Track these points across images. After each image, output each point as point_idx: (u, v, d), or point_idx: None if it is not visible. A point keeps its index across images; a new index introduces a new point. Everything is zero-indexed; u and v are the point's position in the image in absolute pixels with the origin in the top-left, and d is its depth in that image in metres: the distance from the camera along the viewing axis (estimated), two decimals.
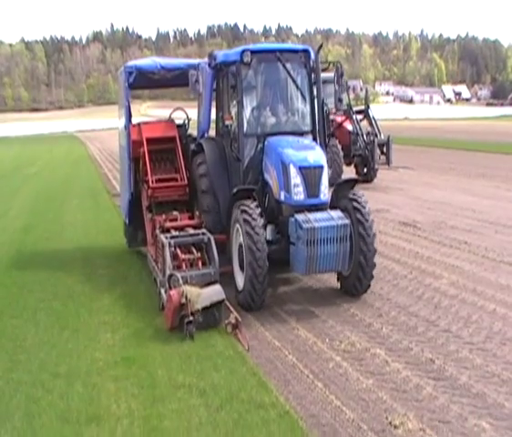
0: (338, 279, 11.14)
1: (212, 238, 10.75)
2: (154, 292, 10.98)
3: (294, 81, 11.75)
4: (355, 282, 10.62)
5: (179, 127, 13.82)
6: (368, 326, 9.48)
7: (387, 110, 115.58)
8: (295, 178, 10.34)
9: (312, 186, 10.40)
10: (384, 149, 25.58)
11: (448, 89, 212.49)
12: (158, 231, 11.27)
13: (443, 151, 39.58)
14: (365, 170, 25.34)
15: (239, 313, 9.50)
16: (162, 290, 10.13)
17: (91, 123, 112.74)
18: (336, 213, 10.27)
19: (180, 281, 9.50)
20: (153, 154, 13.12)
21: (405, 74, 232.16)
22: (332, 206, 10.70)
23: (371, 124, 26.38)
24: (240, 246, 10.35)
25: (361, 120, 26.10)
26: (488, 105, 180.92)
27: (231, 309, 9.46)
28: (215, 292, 9.55)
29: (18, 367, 8.37)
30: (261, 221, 10.07)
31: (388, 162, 25.61)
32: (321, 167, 10.54)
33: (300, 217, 9.98)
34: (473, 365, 8.03)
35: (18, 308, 10.82)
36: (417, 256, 13.39)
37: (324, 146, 11.41)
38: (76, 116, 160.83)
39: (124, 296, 11.23)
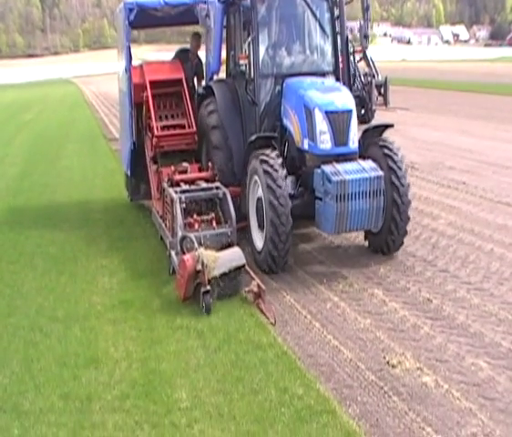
0: (366, 237, 10.16)
1: (228, 193, 9.62)
2: (150, 235, 11.01)
3: (314, 15, 10.66)
4: (387, 239, 9.58)
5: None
6: (365, 266, 9.48)
7: (385, 52, 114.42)
8: (321, 125, 9.23)
9: (340, 133, 9.28)
10: (382, 90, 25.42)
11: (446, 30, 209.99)
12: (165, 185, 10.16)
13: (440, 92, 39.29)
14: (363, 111, 25.15)
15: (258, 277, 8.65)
16: (173, 253, 9.14)
17: (87, 68, 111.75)
18: (368, 164, 9.21)
19: (195, 244, 8.35)
20: (157, 98, 11.99)
21: (403, 15, 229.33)
22: (360, 155, 9.61)
23: (368, 65, 26.18)
24: (259, 200, 9.36)
25: (358, 61, 25.85)
26: (486, 46, 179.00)
27: (253, 275, 8.53)
28: (234, 256, 8.53)
29: (16, 312, 8.38)
30: (283, 173, 9.07)
31: (386, 103, 25.48)
32: (349, 112, 9.40)
33: (328, 168, 8.95)
34: (470, 305, 8.03)
35: (15, 254, 10.80)
36: (415, 196, 13.30)
37: (349, 88, 10.30)
38: (71, 62, 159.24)
39: (121, 239, 11.21)
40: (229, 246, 9.02)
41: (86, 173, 17.91)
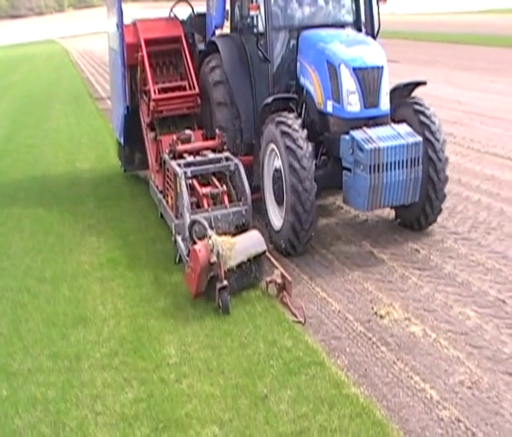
0: (396, 214, 9.16)
1: (241, 165, 8.38)
2: (138, 194, 10.99)
3: None
4: (420, 216, 8.60)
5: (183, 23, 11.43)
6: (353, 218, 9.48)
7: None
8: (348, 84, 8.10)
9: (370, 93, 8.15)
10: None
11: None
12: (166, 156, 8.89)
13: (428, 44, 38.95)
14: None
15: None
16: (179, 239, 7.95)
17: (72, 28, 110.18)
18: (403, 128, 8.11)
19: (208, 231, 7.06)
20: (153, 58, 10.85)
21: None
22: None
23: None
24: (277, 172, 8.29)
25: None
26: None
27: (275, 263, 7.44)
28: (253, 241, 7.39)
29: (4, 274, 8.36)
30: (303, 133, 7.97)
31: None
32: (380, 69, 8.27)
33: (358, 134, 7.85)
34: (458, 254, 8.05)
35: (2, 216, 10.75)
36: None
37: None
38: (56, 22, 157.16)
39: (108, 198, 11.17)
40: (243, 227, 8.00)
41: (72, 133, 17.81)
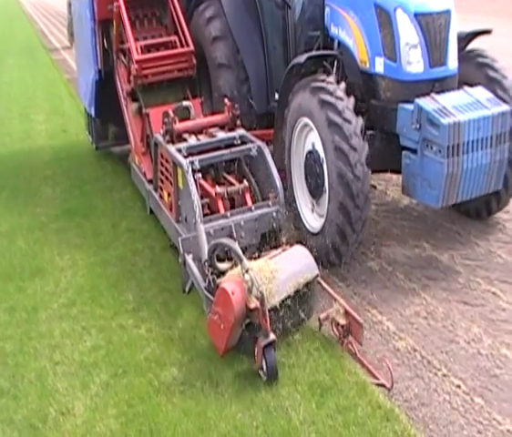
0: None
1: (266, 147, 6.27)
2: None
3: None
4: (491, 200, 6.78)
5: None
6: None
7: None
8: (409, 34, 6.12)
9: (436, 46, 6.19)
10: None
11: None
12: (161, 138, 6.68)
13: None
14: None
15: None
16: (189, 259, 5.63)
17: None
18: (481, 93, 6.22)
19: (246, 263, 4.79)
20: (133, 10, 8.54)
21: None
22: None
23: None
24: (310, 154, 6.40)
25: None
26: None
27: (334, 294, 5.34)
28: (300, 264, 5.22)
29: None
30: (351, 102, 6.06)
31: None
32: (448, 14, 6.28)
33: (428, 103, 5.93)
34: None
35: None
36: None
37: None
38: None
39: (64, 149, 11.03)
40: (273, 237, 5.94)
41: (26, 85, 17.48)
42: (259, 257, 5.48)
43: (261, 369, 4.73)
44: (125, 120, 8.54)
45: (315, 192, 6.41)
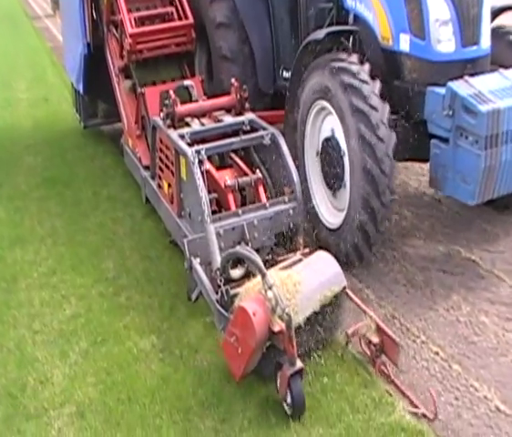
0: None
1: (280, 136, 5.50)
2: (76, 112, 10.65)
3: None
4: None
5: None
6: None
7: None
8: (439, 9, 5.50)
9: (469, 23, 5.58)
10: None
11: None
12: (160, 122, 5.90)
13: None
14: None
15: None
16: (196, 264, 4.84)
17: None
18: None
19: (269, 279, 4.07)
20: None
21: None
22: None
23: None
24: (327, 142, 5.81)
25: None
26: None
27: (364, 307, 4.71)
28: (326, 274, 4.59)
29: None
30: (376, 86, 5.40)
31: None
32: None
33: (462, 88, 5.26)
34: None
35: None
36: None
37: None
38: None
39: (46, 118, 10.95)
40: (291, 236, 5.28)
41: (8, 53, 17.20)
42: (272, 259, 5.03)
43: (285, 400, 4.10)
44: (116, 99, 7.87)
45: (333, 184, 5.81)
